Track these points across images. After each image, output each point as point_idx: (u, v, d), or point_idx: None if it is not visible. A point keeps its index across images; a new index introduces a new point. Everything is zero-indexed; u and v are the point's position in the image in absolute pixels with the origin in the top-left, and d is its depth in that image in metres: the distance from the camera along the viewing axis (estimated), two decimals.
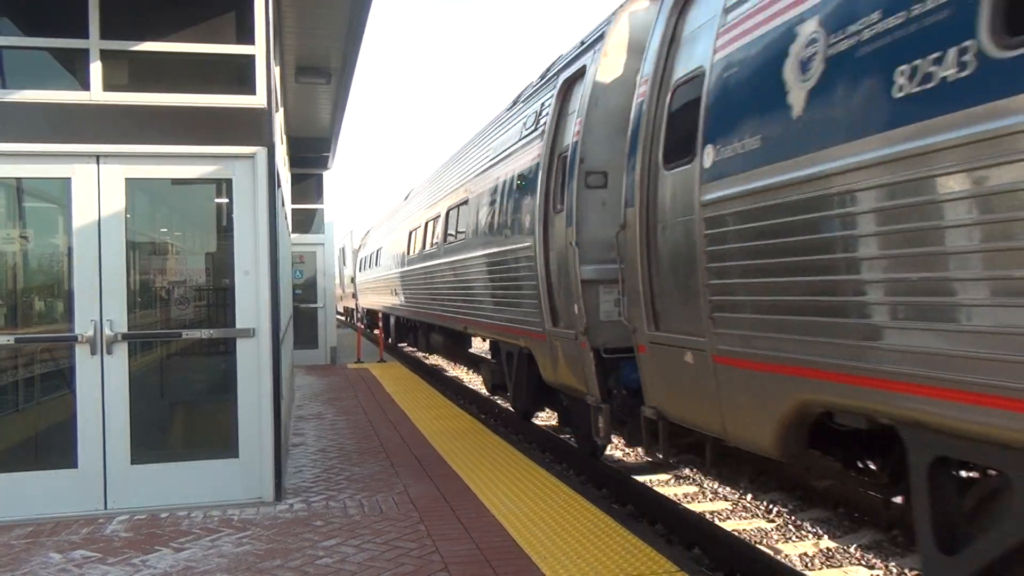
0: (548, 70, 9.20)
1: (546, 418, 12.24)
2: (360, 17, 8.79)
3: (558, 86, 8.22)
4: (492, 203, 9.98)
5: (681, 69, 5.56)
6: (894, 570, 5.74)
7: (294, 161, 15.62)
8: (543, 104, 8.63)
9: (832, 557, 6.04)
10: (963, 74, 3.00)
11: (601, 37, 7.47)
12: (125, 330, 5.92)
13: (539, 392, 9.33)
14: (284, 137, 11.50)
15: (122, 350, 5.91)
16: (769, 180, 4.21)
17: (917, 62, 3.24)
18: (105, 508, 5.87)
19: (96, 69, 5.86)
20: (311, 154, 16.18)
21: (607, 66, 7.31)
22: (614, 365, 7.03)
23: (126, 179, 5.97)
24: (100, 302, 5.87)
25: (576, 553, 4.79)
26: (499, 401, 12.78)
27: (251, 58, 6.11)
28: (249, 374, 6.06)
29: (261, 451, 6.03)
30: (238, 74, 6.21)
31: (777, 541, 6.43)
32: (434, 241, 13.87)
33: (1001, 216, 2.89)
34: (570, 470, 8.95)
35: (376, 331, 25.47)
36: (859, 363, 3.64)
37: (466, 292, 11.44)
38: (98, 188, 5.90)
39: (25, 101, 5.75)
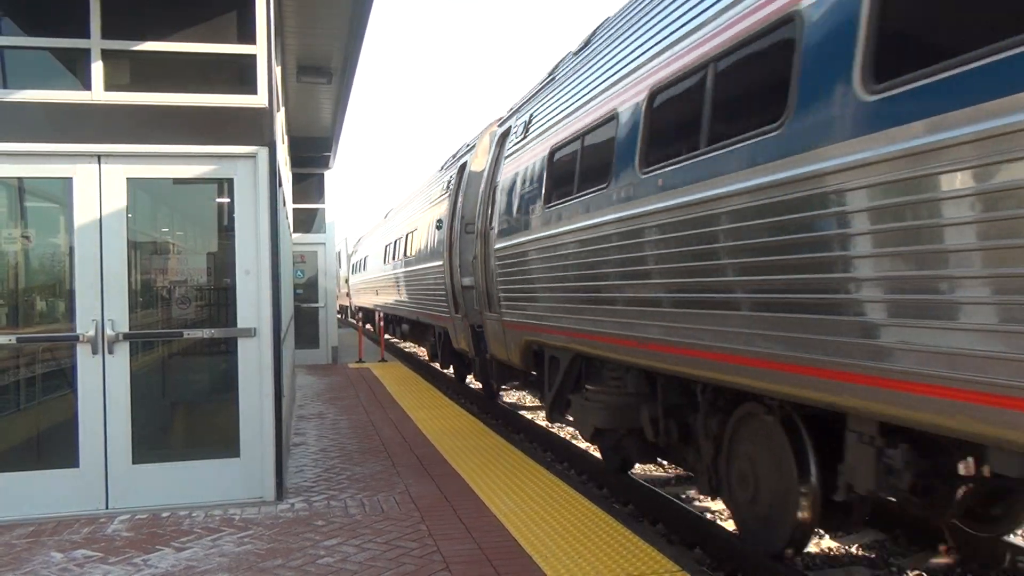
0: (455, 155, 15.19)
1: (542, 415, 12.24)
2: (361, 16, 8.79)
3: (456, 169, 13.59)
4: (428, 233, 15.16)
5: (495, 178, 10.14)
6: (896, 570, 5.74)
7: (295, 161, 15.61)
8: (451, 177, 13.94)
9: (834, 556, 6.04)
10: (540, 214, 7.95)
11: (474, 146, 12.88)
12: (126, 330, 5.92)
13: (454, 357, 14.88)
14: (285, 137, 11.50)
15: (123, 350, 5.92)
16: (507, 243, 9.11)
17: (534, 205, 8.22)
18: (106, 508, 5.88)
19: (97, 69, 5.86)
20: (312, 154, 16.19)
21: (476, 163, 12.46)
22: (481, 335, 11.47)
23: (127, 179, 5.97)
24: (101, 302, 5.88)
25: (577, 553, 4.79)
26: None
27: (252, 58, 6.11)
28: (250, 374, 6.07)
29: (262, 451, 6.04)
30: (239, 74, 6.21)
31: None
32: (400, 255, 18.90)
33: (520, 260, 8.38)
34: (571, 470, 8.96)
35: (368, 326, 30.15)
36: (528, 321, 8.65)
37: (417, 292, 16.60)
38: (99, 188, 5.91)
39: (27, 101, 5.75)
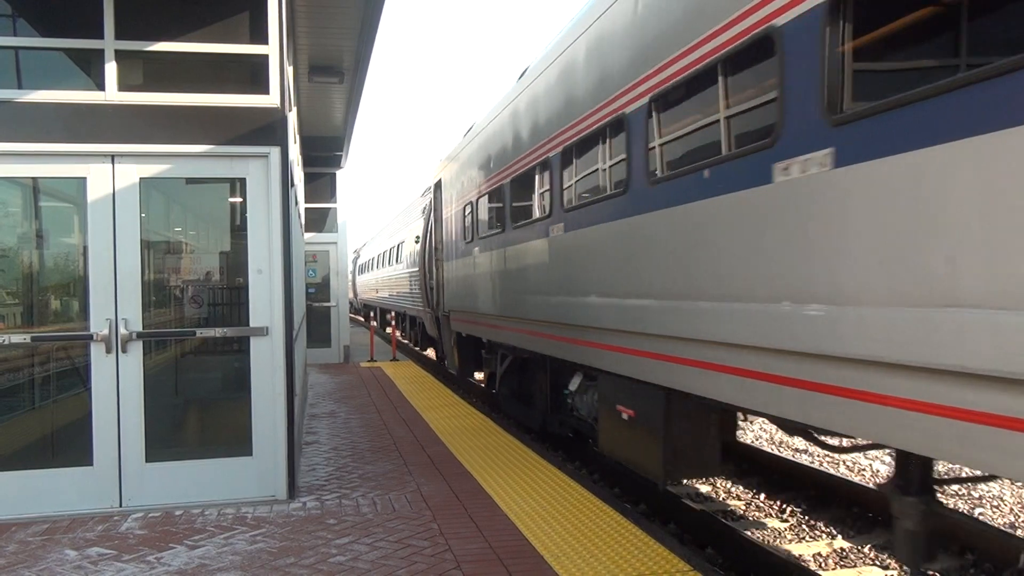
0: (356, 251, 42.52)
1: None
2: (373, 16, 8.80)
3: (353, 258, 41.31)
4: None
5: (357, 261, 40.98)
6: (908, 570, 5.70)
7: (307, 160, 15.65)
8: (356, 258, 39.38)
9: (846, 557, 6.01)
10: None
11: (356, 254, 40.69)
12: (140, 328, 5.96)
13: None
14: (297, 136, 11.52)
15: (137, 348, 5.95)
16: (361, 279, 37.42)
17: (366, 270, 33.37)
18: (120, 505, 5.91)
19: (111, 69, 5.90)
20: (324, 153, 16.23)
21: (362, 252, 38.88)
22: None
23: (140, 178, 6.00)
24: (115, 301, 5.91)
25: (589, 552, 4.79)
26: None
27: (265, 58, 6.13)
28: (263, 372, 6.09)
29: (275, 449, 6.06)
30: (252, 74, 6.23)
31: (791, 541, 6.40)
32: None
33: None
34: (583, 469, 8.94)
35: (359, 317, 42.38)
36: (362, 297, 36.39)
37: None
38: (113, 187, 5.94)
39: (41, 101, 5.79)
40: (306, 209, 15.29)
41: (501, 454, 7.62)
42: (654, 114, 5.51)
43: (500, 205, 9.60)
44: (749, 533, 6.42)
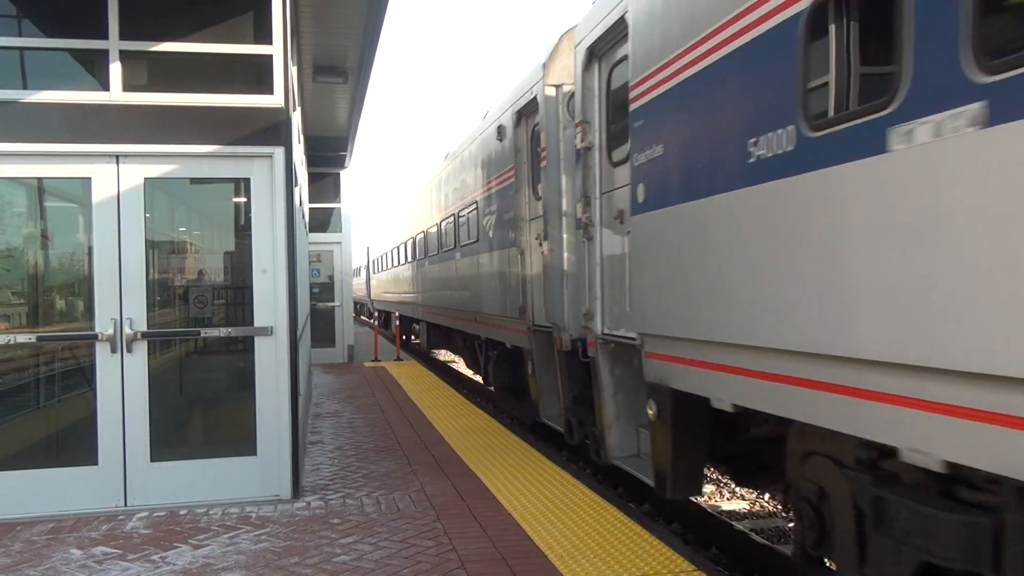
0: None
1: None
2: (377, 16, 8.79)
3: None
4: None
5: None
6: None
7: (311, 160, 15.66)
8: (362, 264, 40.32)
9: None
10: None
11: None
12: (145, 328, 5.97)
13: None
14: (301, 136, 11.54)
15: (142, 348, 5.96)
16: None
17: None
18: (125, 505, 5.93)
19: (115, 70, 5.91)
20: (328, 153, 16.24)
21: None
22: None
23: (145, 178, 6.02)
24: (120, 301, 5.93)
25: (593, 552, 4.79)
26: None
27: (269, 58, 6.14)
28: (267, 372, 6.10)
29: (279, 449, 6.07)
30: (256, 74, 6.24)
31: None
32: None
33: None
34: (586, 469, 8.94)
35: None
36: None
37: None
38: (118, 188, 5.95)
39: (46, 102, 5.81)
40: (310, 209, 15.30)
41: (505, 454, 7.62)
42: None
43: (381, 261, 23.65)
44: (753, 533, 6.41)
